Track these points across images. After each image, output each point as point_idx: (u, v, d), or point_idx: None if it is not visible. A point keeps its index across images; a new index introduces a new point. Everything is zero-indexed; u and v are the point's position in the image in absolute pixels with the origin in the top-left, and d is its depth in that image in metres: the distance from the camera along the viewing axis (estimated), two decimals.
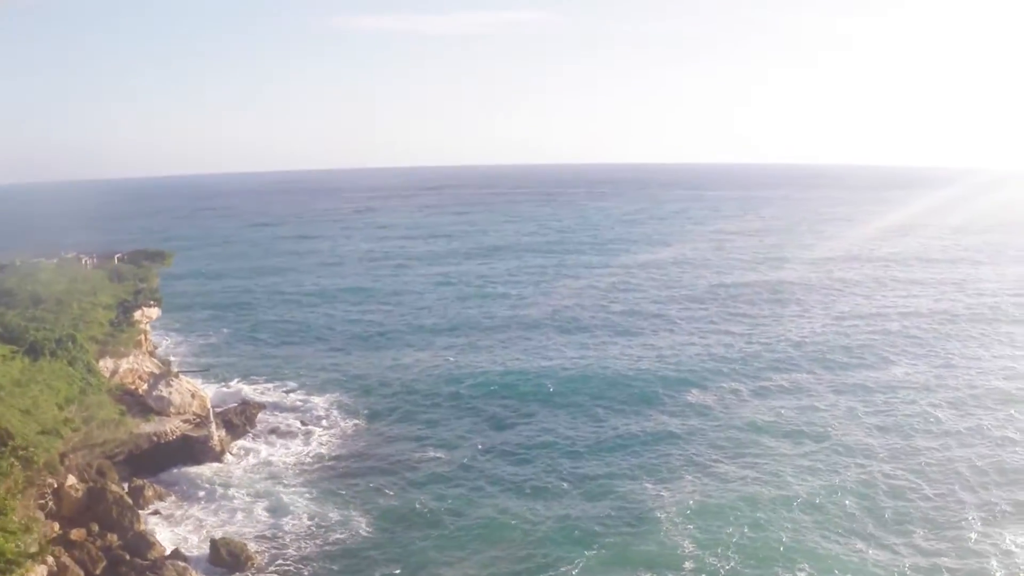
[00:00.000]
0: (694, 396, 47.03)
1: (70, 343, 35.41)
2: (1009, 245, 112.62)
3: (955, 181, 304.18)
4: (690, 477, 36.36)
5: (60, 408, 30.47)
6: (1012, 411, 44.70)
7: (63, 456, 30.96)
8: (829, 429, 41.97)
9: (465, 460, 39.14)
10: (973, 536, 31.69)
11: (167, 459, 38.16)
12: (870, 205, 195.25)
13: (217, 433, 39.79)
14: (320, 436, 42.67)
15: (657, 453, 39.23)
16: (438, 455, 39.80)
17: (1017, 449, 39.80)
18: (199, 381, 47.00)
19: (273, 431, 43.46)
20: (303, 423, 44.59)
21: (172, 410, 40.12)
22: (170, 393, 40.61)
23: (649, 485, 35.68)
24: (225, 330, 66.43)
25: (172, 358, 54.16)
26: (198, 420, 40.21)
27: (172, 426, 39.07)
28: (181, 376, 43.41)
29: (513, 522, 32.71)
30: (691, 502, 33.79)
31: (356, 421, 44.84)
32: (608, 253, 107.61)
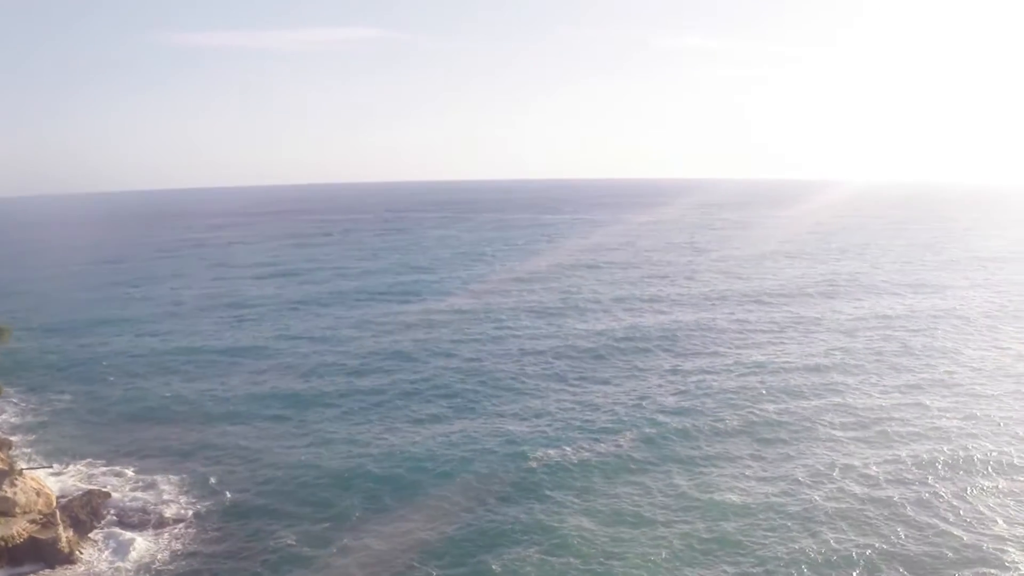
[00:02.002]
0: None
1: None
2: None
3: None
4: None
5: None
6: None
7: None
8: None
9: (326, 540, 40.19)
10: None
11: (19, 563, 37.78)
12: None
13: (64, 534, 39.61)
14: (172, 527, 42.13)
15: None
16: (298, 543, 39.94)
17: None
18: (44, 473, 46.49)
19: (121, 521, 42.96)
20: (152, 510, 43.90)
21: (18, 510, 39.81)
22: (15, 493, 40.19)
23: None
24: (62, 400, 64.01)
25: (12, 437, 53.07)
26: (44, 520, 39.99)
27: (19, 528, 38.73)
28: (25, 473, 43.03)
29: None
30: None
31: (207, 503, 44.59)
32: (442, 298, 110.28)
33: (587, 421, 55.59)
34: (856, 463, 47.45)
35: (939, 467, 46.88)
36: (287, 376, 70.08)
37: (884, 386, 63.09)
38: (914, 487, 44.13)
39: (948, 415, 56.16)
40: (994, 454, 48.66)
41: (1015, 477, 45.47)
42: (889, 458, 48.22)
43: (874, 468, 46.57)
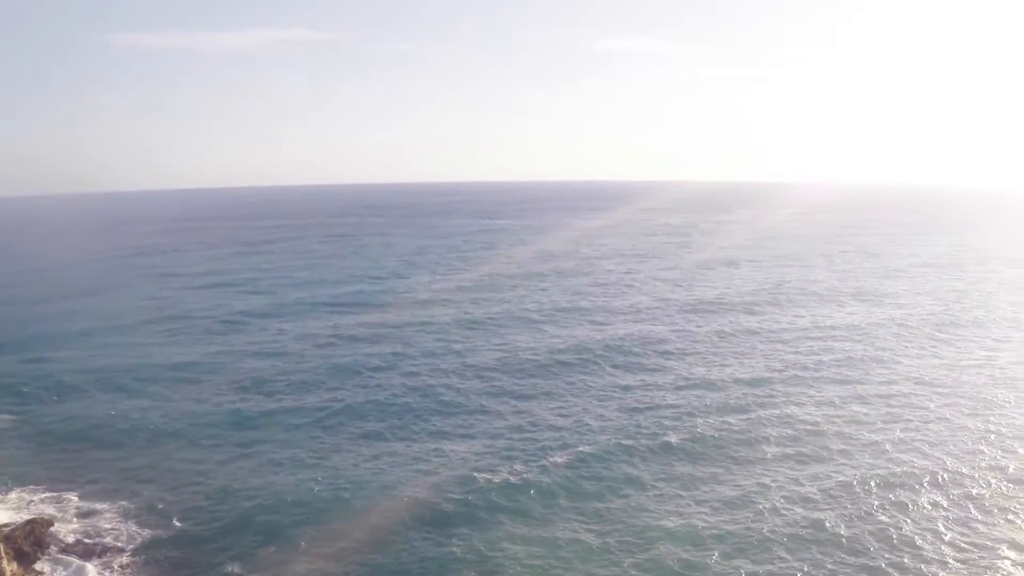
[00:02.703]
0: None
1: None
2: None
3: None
4: None
5: None
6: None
7: None
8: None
9: (274, 566, 40.45)
10: None
11: None
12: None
13: (8, 567, 39.79)
14: (119, 556, 42.18)
15: None
16: (245, 571, 40.26)
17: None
18: None
19: (67, 550, 42.91)
20: (98, 538, 44.02)
21: None
22: None
23: None
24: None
25: None
26: None
27: None
28: None
29: None
30: None
31: (155, 530, 44.86)
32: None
33: (528, 439, 57.03)
34: (796, 482, 49.27)
35: (876, 483, 48.80)
36: (231, 393, 70.32)
37: (823, 399, 65.41)
38: (850, 505, 45.98)
39: (886, 429, 58.51)
40: (931, 469, 50.87)
41: (951, 492, 47.55)
42: (828, 475, 50.19)
43: (813, 486, 48.38)
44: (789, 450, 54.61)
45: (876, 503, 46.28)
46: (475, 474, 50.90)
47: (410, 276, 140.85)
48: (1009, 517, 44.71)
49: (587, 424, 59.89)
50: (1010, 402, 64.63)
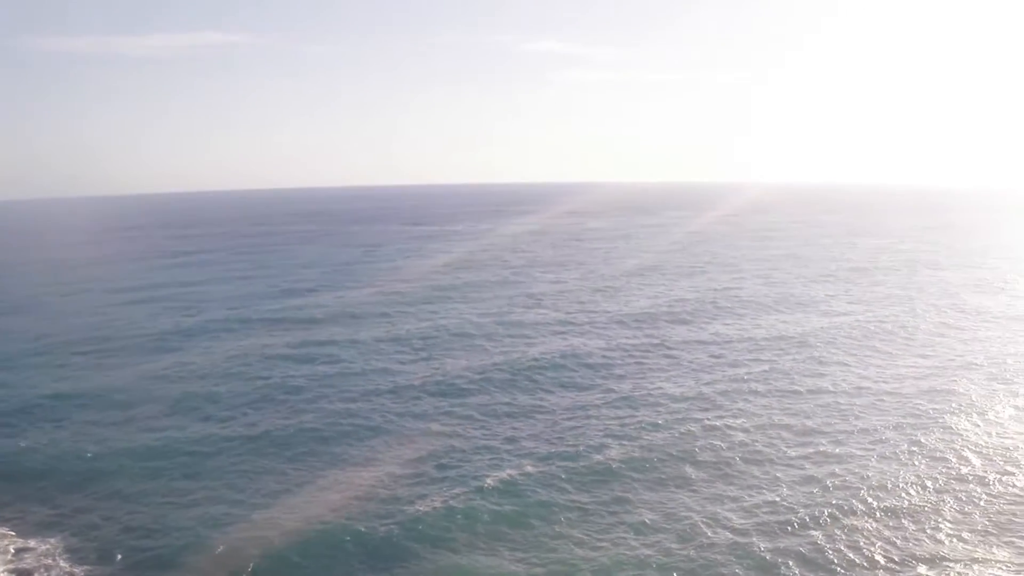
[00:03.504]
0: None
1: None
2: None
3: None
4: None
5: None
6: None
7: None
8: None
9: None
10: None
11: None
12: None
13: None
14: None
15: None
16: None
17: None
18: None
19: None
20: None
21: None
22: None
23: None
24: None
25: None
26: None
27: None
28: None
29: None
30: None
31: (86, 568, 45.02)
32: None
33: (456, 463, 58.45)
34: (726, 501, 51.26)
35: (805, 501, 50.75)
36: (163, 418, 70.34)
37: (752, 412, 67.79)
38: (782, 530, 47.61)
39: (812, 443, 60.88)
40: (859, 483, 53.09)
41: (886, 520, 48.67)
42: (759, 494, 52.23)
43: (740, 513, 49.90)
44: (720, 469, 56.45)
45: (806, 519, 48.33)
46: (402, 500, 52.22)
47: (336, 289, 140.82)
48: (932, 531, 46.99)
49: (521, 445, 61.52)
50: (938, 411, 67.59)
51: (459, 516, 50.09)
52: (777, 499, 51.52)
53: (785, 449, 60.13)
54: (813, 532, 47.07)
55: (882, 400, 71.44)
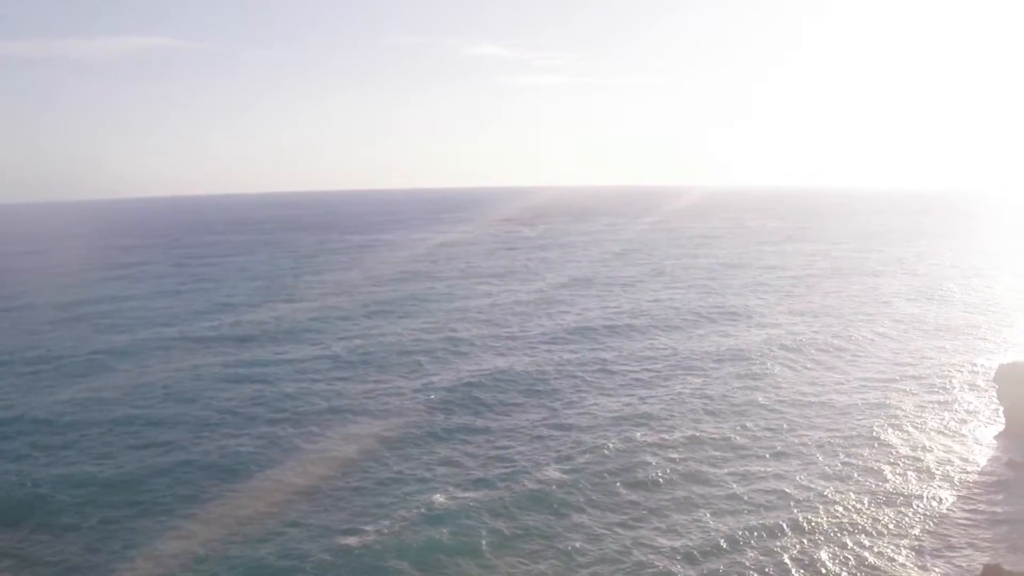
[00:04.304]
0: None
1: None
2: None
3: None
4: None
5: None
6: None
7: None
8: None
9: None
10: None
11: None
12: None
13: None
14: None
15: None
16: None
17: None
18: None
19: None
20: None
21: None
22: None
23: None
24: None
25: None
26: None
27: None
28: None
29: None
30: None
31: None
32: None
33: (387, 492, 58.19)
34: (654, 528, 51.46)
35: (737, 530, 50.62)
36: (100, 447, 68.64)
37: (684, 432, 68.04)
38: (713, 552, 47.85)
39: (750, 464, 61.42)
40: (795, 510, 53.15)
41: (818, 538, 49.32)
42: (686, 521, 52.37)
43: (670, 535, 50.32)
44: (651, 490, 56.67)
45: (736, 539, 48.89)
46: (335, 529, 51.89)
47: (272, 302, 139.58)
48: (865, 548, 47.75)
49: (458, 468, 61.57)
50: (870, 426, 68.88)
51: (394, 543, 49.77)
52: (709, 519, 52.03)
53: (718, 467, 61.03)
54: (745, 553, 47.45)
55: (817, 414, 72.88)
